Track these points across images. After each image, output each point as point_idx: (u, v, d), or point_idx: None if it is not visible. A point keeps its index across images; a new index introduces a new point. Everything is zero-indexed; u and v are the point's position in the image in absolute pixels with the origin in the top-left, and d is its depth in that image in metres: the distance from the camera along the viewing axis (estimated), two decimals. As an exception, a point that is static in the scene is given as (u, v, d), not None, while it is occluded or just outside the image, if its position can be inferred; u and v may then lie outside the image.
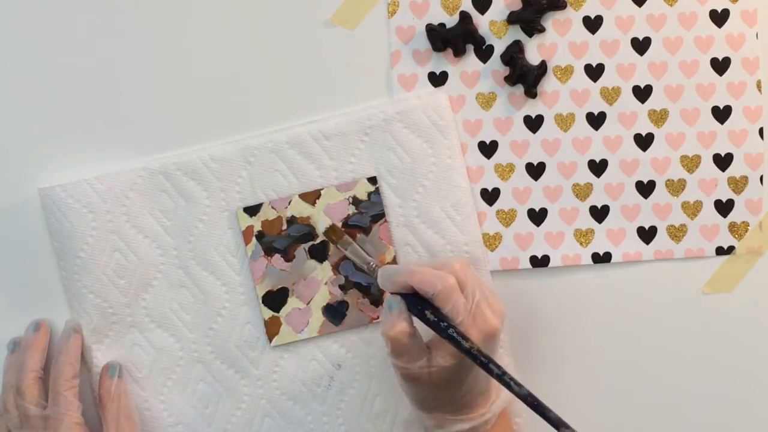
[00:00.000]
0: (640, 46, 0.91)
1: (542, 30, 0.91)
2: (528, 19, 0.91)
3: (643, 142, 0.92)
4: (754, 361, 0.93)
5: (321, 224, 0.91)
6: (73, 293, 0.91)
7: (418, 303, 0.82)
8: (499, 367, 0.80)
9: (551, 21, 0.91)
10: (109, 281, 0.91)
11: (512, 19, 0.91)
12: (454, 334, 0.80)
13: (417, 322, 0.83)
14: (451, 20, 0.91)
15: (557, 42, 0.91)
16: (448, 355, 0.82)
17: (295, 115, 0.92)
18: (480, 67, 0.92)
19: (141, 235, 0.91)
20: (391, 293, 0.84)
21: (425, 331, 0.83)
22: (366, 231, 0.91)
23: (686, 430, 0.94)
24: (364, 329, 0.92)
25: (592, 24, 0.91)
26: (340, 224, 0.91)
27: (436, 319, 0.81)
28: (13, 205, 0.92)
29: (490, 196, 0.93)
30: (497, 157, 0.92)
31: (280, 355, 0.92)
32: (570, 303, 0.93)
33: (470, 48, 0.92)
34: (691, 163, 0.92)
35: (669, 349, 0.93)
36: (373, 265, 0.88)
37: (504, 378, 0.79)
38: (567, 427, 0.77)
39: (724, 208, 0.92)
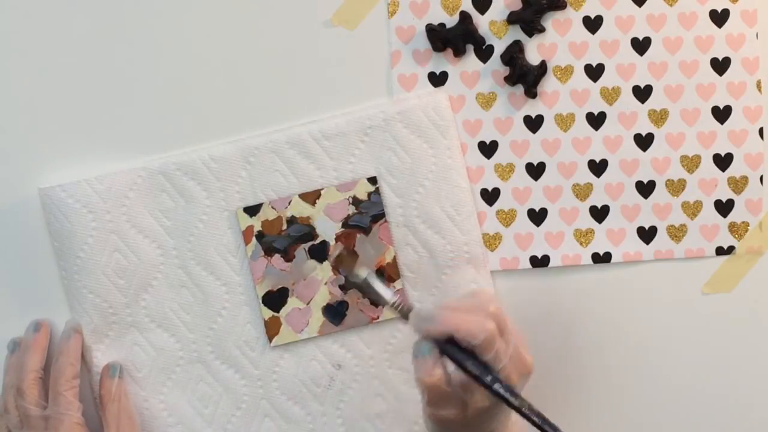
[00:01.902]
0: (640, 46, 0.91)
1: (542, 30, 0.91)
2: (528, 19, 0.91)
3: (643, 142, 0.92)
4: (754, 361, 0.93)
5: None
6: (73, 293, 0.91)
7: (456, 351, 0.78)
8: (554, 427, 0.76)
9: (551, 21, 0.91)
10: (109, 281, 0.91)
11: (512, 19, 0.91)
12: (500, 390, 0.76)
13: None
14: (451, 20, 0.91)
15: (557, 42, 0.91)
16: (486, 397, 0.78)
17: (295, 115, 0.92)
18: (480, 67, 0.92)
19: (141, 235, 0.91)
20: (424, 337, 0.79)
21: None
22: (366, 231, 0.91)
23: (686, 429, 0.94)
24: (364, 329, 0.92)
25: (592, 24, 0.91)
26: (339, 224, 0.91)
27: (478, 373, 0.77)
28: (13, 205, 0.92)
29: (490, 196, 0.92)
30: (497, 157, 0.92)
31: (280, 355, 0.92)
32: (570, 303, 0.93)
33: (470, 48, 0.92)
34: (691, 163, 0.92)
35: (669, 349, 0.93)
36: (397, 303, 0.81)
37: None
38: None
39: (724, 208, 0.92)
